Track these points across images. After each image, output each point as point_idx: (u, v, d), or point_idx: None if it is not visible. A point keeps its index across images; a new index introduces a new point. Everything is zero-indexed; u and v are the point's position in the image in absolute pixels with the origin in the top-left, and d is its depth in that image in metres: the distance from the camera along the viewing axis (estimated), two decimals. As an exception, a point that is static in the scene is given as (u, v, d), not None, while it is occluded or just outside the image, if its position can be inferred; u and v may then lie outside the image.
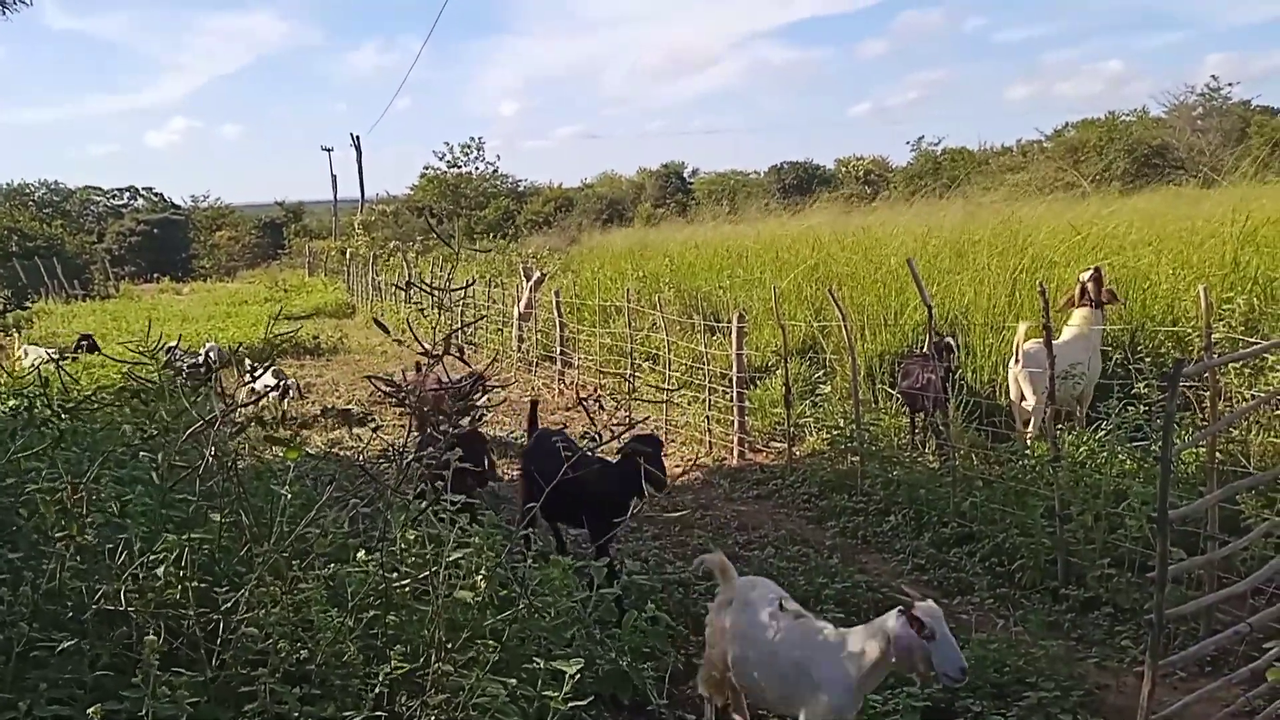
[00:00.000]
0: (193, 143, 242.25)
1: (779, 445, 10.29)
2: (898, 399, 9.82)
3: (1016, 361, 8.66)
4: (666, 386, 12.52)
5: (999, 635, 5.58)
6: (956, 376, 9.12)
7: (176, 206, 62.61)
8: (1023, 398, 8.73)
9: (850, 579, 6.55)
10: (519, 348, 17.84)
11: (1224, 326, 8.49)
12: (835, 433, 9.64)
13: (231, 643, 3.37)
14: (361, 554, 3.71)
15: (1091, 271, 9.06)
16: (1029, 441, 8.10)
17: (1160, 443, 3.72)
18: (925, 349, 8.84)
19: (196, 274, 51.72)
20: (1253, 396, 6.95)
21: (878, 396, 10.47)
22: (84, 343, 13.78)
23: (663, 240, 23.70)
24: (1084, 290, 8.93)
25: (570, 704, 3.22)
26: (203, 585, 3.52)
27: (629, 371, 13.14)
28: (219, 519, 3.83)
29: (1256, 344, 6.09)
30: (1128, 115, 37.22)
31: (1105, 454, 6.95)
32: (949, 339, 9.06)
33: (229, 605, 3.41)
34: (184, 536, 3.53)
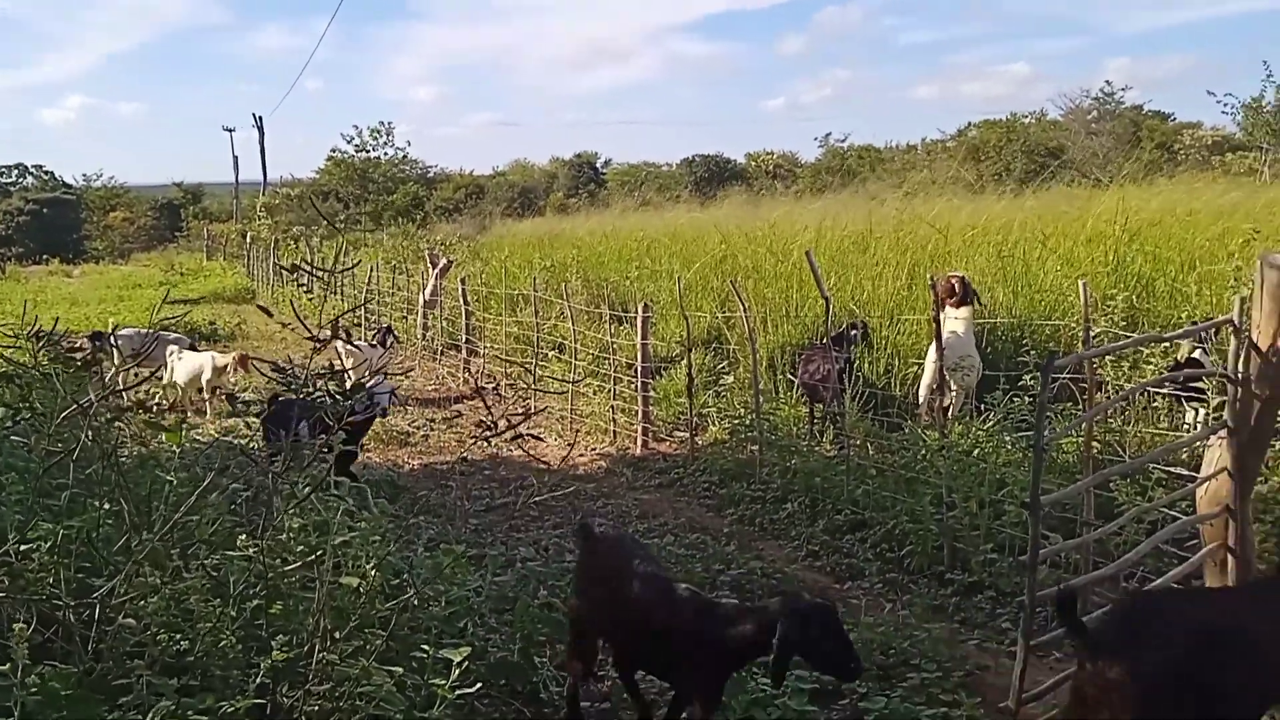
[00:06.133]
0: (89, 120, 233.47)
1: (682, 435, 10.38)
2: (798, 389, 9.99)
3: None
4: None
5: (886, 619, 5.74)
6: (854, 367, 9.31)
7: (68, 186, 59.94)
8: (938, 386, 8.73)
9: (746, 565, 6.69)
10: (424, 335, 17.64)
11: (1106, 321, 8.84)
12: (736, 422, 9.79)
13: (108, 634, 3.28)
14: (243, 540, 3.63)
15: (961, 276, 9.35)
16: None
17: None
18: (845, 329, 8.91)
19: (88, 256, 49.71)
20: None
21: (778, 387, 10.65)
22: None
23: (573, 229, 23.65)
24: (961, 288, 9.19)
25: (458, 692, 3.20)
26: (79, 574, 3.40)
27: (534, 361, 13.10)
28: (98, 506, 3.70)
29: (1130, 337, 6.37)
30: (1027, 117, 38.51)
31: (990, 443, 7.20)
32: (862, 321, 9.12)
33: (105, 594, 3.31)
34: (60, 524, 3.41)
